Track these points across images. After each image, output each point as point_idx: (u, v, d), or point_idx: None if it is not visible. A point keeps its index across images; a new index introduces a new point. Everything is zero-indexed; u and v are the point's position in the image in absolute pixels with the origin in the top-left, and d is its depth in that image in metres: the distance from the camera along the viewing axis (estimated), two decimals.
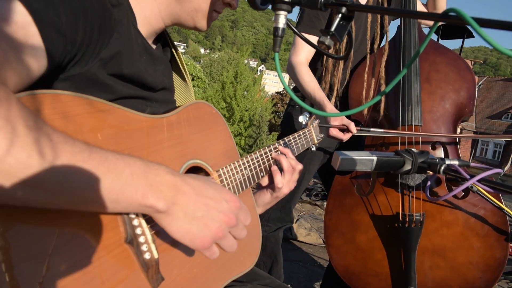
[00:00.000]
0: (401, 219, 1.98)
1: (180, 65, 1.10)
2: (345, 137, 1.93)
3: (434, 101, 2.05)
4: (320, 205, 5.00)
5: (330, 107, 1.93)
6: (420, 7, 2.27)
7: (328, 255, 2.27)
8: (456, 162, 1.22)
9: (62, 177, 0.54)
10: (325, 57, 2.13)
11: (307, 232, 3.87)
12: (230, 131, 1.04)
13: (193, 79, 41.76)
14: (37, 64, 0.64)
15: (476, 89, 2.05)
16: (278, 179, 1.15)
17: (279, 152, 1.21)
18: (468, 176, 1.08)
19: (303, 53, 2.08)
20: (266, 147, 1.17)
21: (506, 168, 31.82)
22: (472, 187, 1.92)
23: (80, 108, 0.65)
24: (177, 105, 1.08)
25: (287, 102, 2.47)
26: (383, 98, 2.06)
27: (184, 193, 0.68)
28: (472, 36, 5.97)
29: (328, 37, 0.76)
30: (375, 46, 2.14)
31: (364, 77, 2.12)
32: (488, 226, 1.96)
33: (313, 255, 3.62)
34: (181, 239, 0.69)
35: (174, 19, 0.97)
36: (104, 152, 0.60)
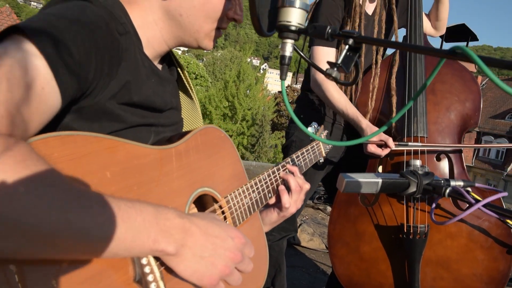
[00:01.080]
0: (405, 230, 1.98)
1: (186, 83, 1.10)
2: (383, 152, 1.93)
3: (439, 112, 2.04)
4: (323, 209, 5.00)
5: (365, 123, 1.94)
6: (425, 19, 2.26)
7: (331, 264, 2.27)
8: (461, 183, 1.22)
9: (77, 232, 0.54)
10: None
11: (310, 237, 3.87)
12: (238, 154, 1.04)
13: (196, 78, 41.78)
14: (52, 105, 0.64)
15: (482, 100, 2.04)
16: (286, 199, 1.16)
17: (287, 170, 1.21)
18: (473, 201, 1.07)
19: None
20: (274, 167, 1.17)
21: (509, 169, 31.76)
22: (473, 197, 1.92)
23: (89, 148, 0.65)
24: (184, 123, 1.08)
25: (290, 101, 2.46)
26: (394, 109, 2.05)
27: (192, 234, 0.70)
28: (477, 39, 5.95)
29: (335, 69, 0.76)
30: (379, 56, 2.13)
31: (369, 87, 2.11)
32: (492, 239, 1.96)
33: (315, 261, 3.62)
34: (189, 278, 0.71)
35: (178, 41, 0.97)
36: (117, 201, 0.61)
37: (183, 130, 1.07)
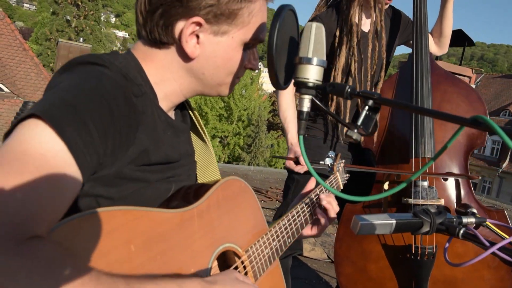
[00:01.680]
0: (413, 251, 1.97)
1: (198, 126, 1.09)
2: (297, 168, 1.98)
3: (446, 131, 2.03)
4: None
5: (290, 133, 2.04)
6: (429, 37, 2.26)
7: (338, 283, 2.26)
8: (472, 220, 1.21)
9: None
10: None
11: (312, 247, 3.86)
12: (258, 200, 1.03)
13: None
14: (74, 188, 0.64)
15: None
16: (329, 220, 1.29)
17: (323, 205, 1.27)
18: (487, 244, 1.06)
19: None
20: (294, 211, 1.17)
21: (504, 165, 31.93)
22: (485, 224, 1.91)
23: (113, 224, 0.65)
24: (198, 166, 1.07)
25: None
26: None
27: None
28: (473, 44, 5.97)
29: (356, 130, 0.74)
30: (382, 73, 2.13)
31: None
32: (500, 259, 1.95)
33: (318, 271, 3.61)
34: None
35: (196, 93, 0.97)
36: (142, 282, 0.60)
37: (198, 174, 1.07)
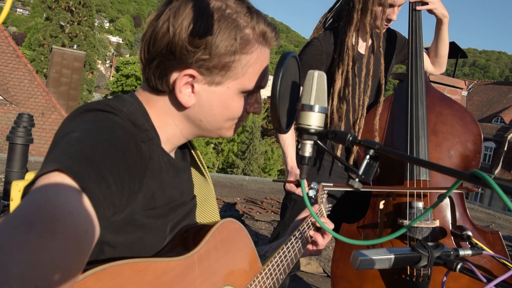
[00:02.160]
0: (408, 272, 1.98)
1: (198, 162, 1.10)
2: (298, 191, 1.99)
3: (441, 153, 2.06)
4: None
5: (290, 165, 2.05)
6: (425, 57, 2.29)
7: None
8: (469, 252, 1.24)
9: None
10: (329, 107, 2.13)
11: (307, 261, 3.87)
12: (251, 240, 1.05)
13: None
14: (95, 240, 0.65)
15: (483, 143, 2.06)
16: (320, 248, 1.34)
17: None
18: (485, 280, 1.08)
19: None
20: (284, 246, 1.19)
21: (496, 172, 32.17)
22: (476, 244, 1.93)
23: (122, 278, 0.67)
24: (197, 200, 1.08)
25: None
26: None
27: None
28: (466, 56, 6.03)
29: (357, 179, 0.76)
30: (366, 98, 2.16)
31: (371, 126, 2.13)
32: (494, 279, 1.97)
33: (313, 286, 3.62)
34: None
35: (197, 136, 0.99)
36: None
37: (197, 209, 1.07)
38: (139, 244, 0.83)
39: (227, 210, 4.60)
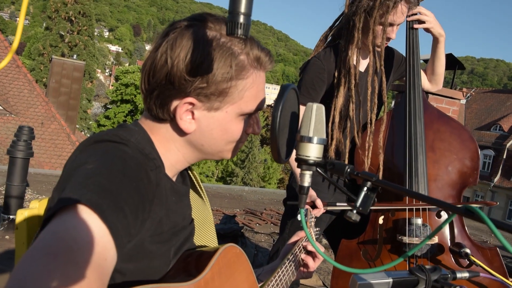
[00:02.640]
0: None
1: (197, 185, 1.13)
2: (314, 212, 1.97)
3: (439, 169, 2.07)
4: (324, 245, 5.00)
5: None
6: (422, 75, 2.31)
7: None
8: (466, 275, 1.25)
9: None
10: (330, 125, 2.14)
11: None
12: (250, 264, 1.07)
13: None
14: (112, 268, 0.68)
15: (480, 159, 2.08)
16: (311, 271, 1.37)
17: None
18: None
19: None
20: (279, 269, 1.22)
21: (496, 180, 32.19)
22: (474, 261, 1.95)
23: None
24: (195, 223, 1.09)
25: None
26: (381, 167, 2.08)
27: None
28: (463, 68, 6.07)
29: (355, 211, 0.78)
30: (373, 115, 2.17)
31: (365, 145, 2.15)
32: None
33: None
34: None
35: (199, 159, 1.02)
36: None
37: (195, 234, 1.09)
38: (147, 270, 0.85)
39: (227, 223, 4.61)
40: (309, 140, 0.84)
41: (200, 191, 1.15)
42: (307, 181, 0.86)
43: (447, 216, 2.06)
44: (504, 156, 32.17)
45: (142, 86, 0.93)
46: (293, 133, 0.89)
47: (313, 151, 0.84)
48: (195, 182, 1.14)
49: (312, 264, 1.38)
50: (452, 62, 5.58)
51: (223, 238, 4.29)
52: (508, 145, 32.18)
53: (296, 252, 1.37)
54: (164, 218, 0.87)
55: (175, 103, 0.90)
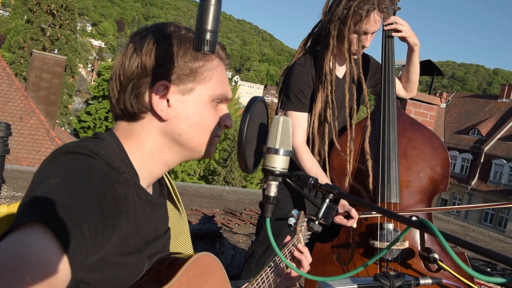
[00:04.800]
0: None
1: (174, 196, 1.14)
2: (349, 223, 2.00)
3: (411, 176, 2.13)
4: None
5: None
6: (397, 82, 2.36)
7: None
8: (429, 281, 1.29)
9: None
10: (310, 129, 2.18)
11: None
12: (225, 272, 1.07)
13: None
14: (64, 283, 0.67)
15: (450, 166, 2.14)
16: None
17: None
18: None
19: (300, 134, 2.12)
20: (259, 277, 1.22)
21: (473, 183, 32.85)
22: (442, 267, 2.00)
23: None
24: (171, 233, 1.10)
25: None
26: (370, 173, 2.11)
27: None
28: (442, 74, 6.20)
29: (317, 222, 0.80)
30: (353, 121, 2.21)
31: (345, 150, 2.18)
32: None
33: None
34: None
35: (180, 159, 1.02)
36: None
37: (171, 241, 1.10)
38: (114, 280, 0.85)
39: (205, 223, 4.61)
40: (276, 152, 0.86)
41: (177, 203, 1.16)
42: (273, 191, 0.88)
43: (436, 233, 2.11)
44: (482, 160, 32.86)
45: (114, 88, 0.96)
46: (261, 145, 0.91)
47: (279, 163, 0.86)
48: (173, 193, 1.14)
49: (295, 274, 1.39)
50: (431, 68, 5.69)
51: (201, 238, 4.30)
52: (485, 149, 32.87)
53: (279, 260, 1.35)
54: (131, 231, 0.87)
55: (149, 91, 0.94)
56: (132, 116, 0.96)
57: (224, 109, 1.04)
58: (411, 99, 5.33)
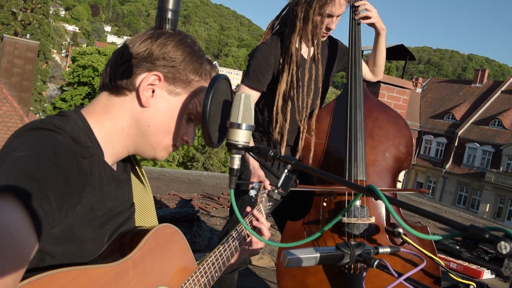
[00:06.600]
0: (346, 265, 2.14)
1: (138, 171, 1.19)
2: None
3: (376, 155, 2.22)
4: (272, 225, 5.15)
5: (251, 159, 2.12)
6: (364, 66, 2.45)
7: None
8: (387, 250, 1.39)
9: None
10: (274, 108, 2.25)
11: (260, 256, 4.00)
12: (187, 242, 1.13)
13: None
14: (32, 253, 0.71)
15: (414, 145, 2.24)
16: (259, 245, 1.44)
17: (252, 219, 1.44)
18: (396, 275, 1.23)
19: None
20: (220, 245, 1.27)
21: (447, 166, 33.68)
22: (405, 240, 2.12)
23: (55, 287, 0.74)
24: (136, 208, 1.15)
25: None
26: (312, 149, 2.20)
27: None
28: (414, 59, 6.35)
29: (276, 191, 0.87)
30: (309, 100, 2.29)
31: (309, 129, 2.28)
32: (422, 271, 2.16)
33: (266, 280, 3.76)
34: None
35: (138, 149, 1.07)
36: None
37: (136, 216, 1.14)
38: (78, 253, 0.90)
39: (183, 207, 4.67)
40: (238, 126, 0.93)
41: (141, 176, 1.21)
42: (236, 164, 0.94)
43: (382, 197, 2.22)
44: (456, 144, 33.65)
45: (113, 61, 1.03)
46: (226, 120, 0.98)
47: (242, 136, 0.93)
48: (137, 168, 1.19)
49: (256, 241, 1.44)
50: (404, 53, 5.81)
51: (178, 221, 4.35)
52: (459, 133, 33.66)
53: (242, 228, 1.41)
54: (97, 204, 0.92)
55: (142, 75, 1.01)
56: (117, 89, 1.02)
57: (192, 127, 1.11)
58: (384, 82, 5.46)
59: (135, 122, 1.03)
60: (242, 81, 2.23)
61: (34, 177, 0.74)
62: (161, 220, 1.20)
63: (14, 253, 0.67)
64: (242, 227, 1.41)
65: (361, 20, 2.29)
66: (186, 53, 1.03)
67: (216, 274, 1.23)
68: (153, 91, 1.02)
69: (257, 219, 1.46)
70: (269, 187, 2.07)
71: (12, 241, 0.67)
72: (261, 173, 2.10)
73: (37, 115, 30.99)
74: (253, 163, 2.16)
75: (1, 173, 0.74)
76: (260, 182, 2.06)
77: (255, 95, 2.23)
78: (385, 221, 2.22)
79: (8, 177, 0.73)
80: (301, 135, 2.29)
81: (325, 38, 2.26)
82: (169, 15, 0.73)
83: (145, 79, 1.00)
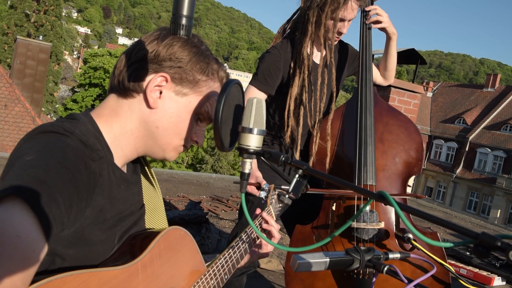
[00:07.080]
0: (355, 271, 2.14)
1: (148, 172, 1.19)
2: (256, 192, 2.06)
3: (387, 160, 2.22)
4: (280, 229, 5.14)
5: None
6: (375, 70, 2.45)
7: None
8: (398, 256, 1.38)
9: None
10: (286, 112, 2.25)
11: (268, 259, 4.00)
12: (196, 244, 1.13)
13: None
14: (42, 257, 0.72)
15: (424, 150, 2.23)
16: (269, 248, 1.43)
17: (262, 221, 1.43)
18: (406, 281, 1.22)
19: None
20: (230, 248, 1.28)
21: (458, 171, 33.38)
22: (415, 245, 2.11)
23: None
24: (146, 209, 1.16)
25: None
26: (328, 154, 2.20)
27: None
28: (425, 63, 6.31)
29: (287, 195, 0.88)
30: (322, 104, 2.29)
31: (324, 134, 2.27)
32: (432, 277, 2.15)
33: (274, 283, 3.75)
34: None
35: (147, 150, 1.08)
36: None
37: (146, 217, 1.15)
38: (88, 255, 0.91)
39: (192, 209, 4.68)
40: (250, 131, 0.93)
41: (151, 178, 1.21)
42: (247, 168, 0.95)
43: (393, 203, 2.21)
44: (467, 149, 33.34)
45: (123, 59, 1.04)
46: (237, 125, 0.98)
47: (253, 141, 0.94)
48: (147, 169, 1.20)
49: (260, 253, 1.43)
50: (415, 57, 5.79)
51: (187, 223, 4.37)
52: (470, 138, 33.35)
53: (251, 230, 1.40)
54: (106, 206, 0.93)
55: (149, 77, 1.02)
56: (125, 91, 1.03)
57: (202, 126, 1.12)
58: (395, 87, 5.44)
59: (144, 124, 1.04)
60: (251, 82, 2.24)
61: (43, 181, 0.75)
62: (170, 222, 1.21)
63: (23, 256, 0.68)
64: (251, 229, 1.42)
65: (372, 24, 2.30)
66: (192, 53, 1.04)
67: (226, 277, 1.23)
68: (161, 92, 1.03)
69: (267, 222, 1.45)
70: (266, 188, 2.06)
71: (21, 244, 0.68)
72: (258, 174, 2.10)
73: (49, 116, 31.32)
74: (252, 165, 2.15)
75: (11, 177, 0.76)
76: (258, 182, 2.06)
77: (262, 97, 2.23)
78: (394, 226, 2.21)
79: (17, 181, 0.74)
80: (314, 139, 2.28)
81: (336, 42, 2.26)
82: (184, 21, 0.74)
83: (152, 80, 1.01)
